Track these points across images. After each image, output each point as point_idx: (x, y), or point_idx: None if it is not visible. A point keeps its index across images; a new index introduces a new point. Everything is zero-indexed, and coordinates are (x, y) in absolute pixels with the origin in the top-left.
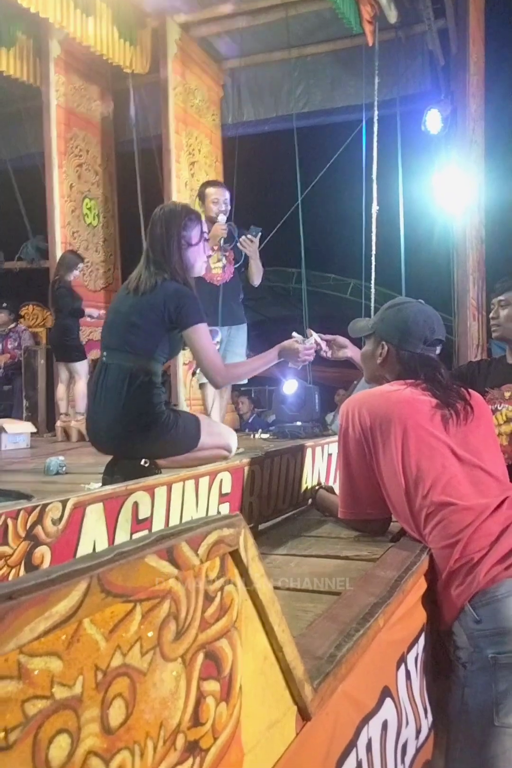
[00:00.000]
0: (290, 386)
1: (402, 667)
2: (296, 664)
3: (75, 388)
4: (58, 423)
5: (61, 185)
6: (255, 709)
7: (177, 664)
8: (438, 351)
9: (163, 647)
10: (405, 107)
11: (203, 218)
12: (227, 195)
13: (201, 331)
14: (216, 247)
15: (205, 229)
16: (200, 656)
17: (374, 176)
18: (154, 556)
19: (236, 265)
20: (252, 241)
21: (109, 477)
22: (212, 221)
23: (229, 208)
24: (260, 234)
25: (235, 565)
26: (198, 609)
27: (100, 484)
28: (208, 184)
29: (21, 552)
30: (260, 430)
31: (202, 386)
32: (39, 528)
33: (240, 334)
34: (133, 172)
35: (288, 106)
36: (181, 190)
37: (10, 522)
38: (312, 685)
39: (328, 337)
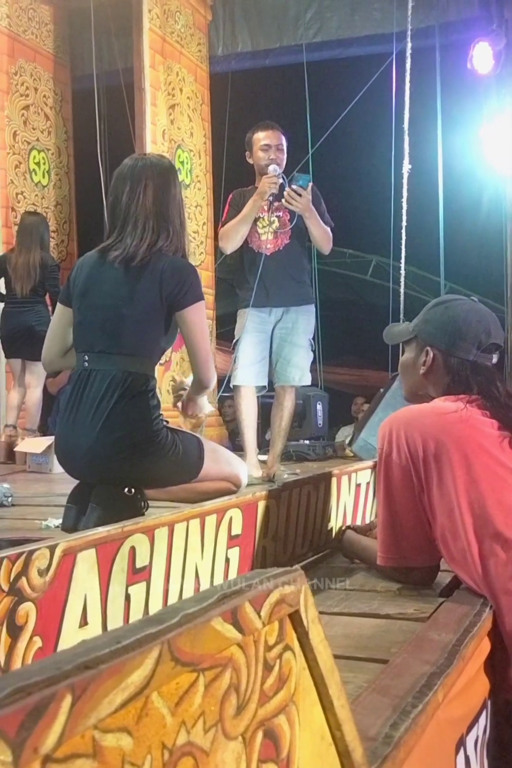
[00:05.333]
0: None
1: (462, 752)
2: (355, 745)
3: (30, 396)
4: (2, 438)
5: (2, 133)
6: None
7: (238, 743)
8: (494, 359)
9: (225, 723)
10: (447, 38)
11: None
12: (282, 140)
13: (202, 311)
14: (265, 207)
15: None
16: (259, 734)
17: (406, 126)
18: (219, 619)
19: (291, 225)
20: (299, 194)
21: (75, 513)
22: (263, 173)
23: (284, 156)
24: (311, 183)
25: (293, 628)
26: (257, 680)
27: (60, 521)
28: (258, 127)
29: (3, 610)
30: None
31: (236, 389)
32: (23, 580)
33: (302, 319)
34: (94, 117)
35: (296, 35)
36: (157, 141)
37: None
38: None
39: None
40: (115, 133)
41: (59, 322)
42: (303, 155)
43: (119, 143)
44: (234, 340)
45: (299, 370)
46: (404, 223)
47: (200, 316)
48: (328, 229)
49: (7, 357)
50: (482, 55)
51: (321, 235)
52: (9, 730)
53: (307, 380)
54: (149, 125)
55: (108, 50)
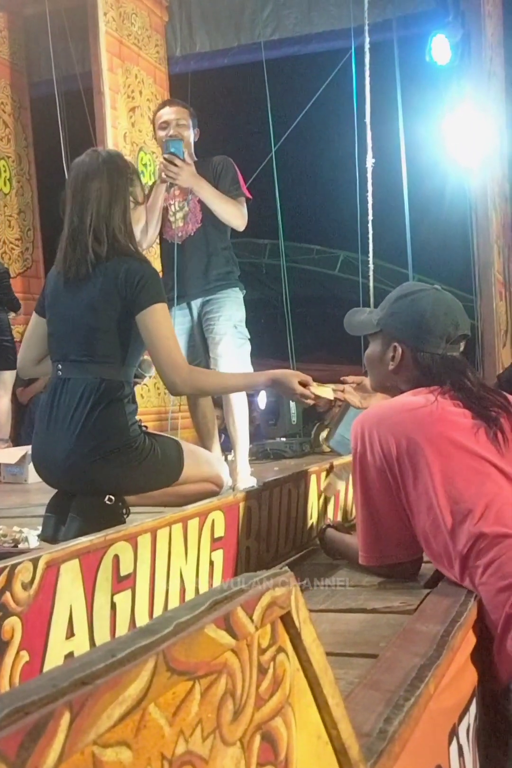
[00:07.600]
0: (260, 398)
1: (454, 741)
2: (351, 742)
3: None
4: None
5: None
6: None
7: (236, 749)
8: (461, 348)
9: (222, 729)
10: (405, 32)
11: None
12: (185, 115)
13: (161, 313)
14: (173, 191)
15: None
16: (257, 738)
17: (367, 120)
18: (212, 626)
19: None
20: (173, 163)
21: (54, 522)
22: None
23: (190, 132)
24: (183, 149)
25: (286, 629)
26: (253, 684)
27: (39, 532)
28: (157, 108)
29: None
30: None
31: (187, 398)
32: (8, 595)
33: (225, 305)
34: (55, 122)
35: (253, 34)
36: (119, 144)
37: None
38: None
39: (354, 379)
40: (76, 138)
41: (34, 330)
42: (267, 153)
43: (81, 148)
44: None
45: (223, 358)
46: (370, 217)
47: (157, 319)
48: (239, 201)
49: None
50: (440, 47)
51: (223, 209)
52: (9, 751)
53: (241, 368)
54: (110, 129)
55: (65, 55)
